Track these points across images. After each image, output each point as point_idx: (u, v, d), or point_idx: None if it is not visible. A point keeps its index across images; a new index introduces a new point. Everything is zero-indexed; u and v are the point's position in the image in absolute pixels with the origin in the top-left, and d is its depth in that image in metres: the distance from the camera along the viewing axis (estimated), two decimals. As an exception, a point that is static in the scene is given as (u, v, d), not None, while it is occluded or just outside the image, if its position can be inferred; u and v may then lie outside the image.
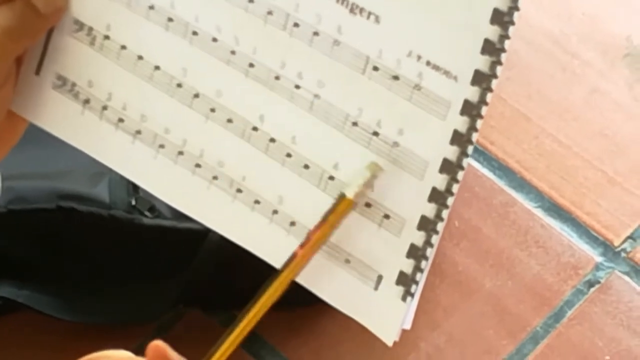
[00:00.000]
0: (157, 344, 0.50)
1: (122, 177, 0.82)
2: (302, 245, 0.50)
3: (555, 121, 0.95)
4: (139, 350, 0.52)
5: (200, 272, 0.82)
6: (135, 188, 0.82)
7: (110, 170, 0.81)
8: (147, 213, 0.81)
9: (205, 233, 0.81)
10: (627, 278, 0.88)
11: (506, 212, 0.91)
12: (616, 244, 0.89)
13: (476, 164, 0.93)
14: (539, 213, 0.91)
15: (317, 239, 0.50)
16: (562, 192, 0.92)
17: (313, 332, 0.85)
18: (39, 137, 0.74)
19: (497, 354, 0.85)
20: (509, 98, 0.95)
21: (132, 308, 0.82)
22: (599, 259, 0.89)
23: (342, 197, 0.50)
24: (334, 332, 0.85)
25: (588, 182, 0.93)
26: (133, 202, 0.81)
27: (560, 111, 0.96)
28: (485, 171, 0.93)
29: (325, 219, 0.50)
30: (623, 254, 0.89)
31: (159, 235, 0.81)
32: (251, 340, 0.86)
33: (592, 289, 0.87)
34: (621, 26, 1.00)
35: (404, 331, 0.84)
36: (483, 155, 0.94)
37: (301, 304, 0.85)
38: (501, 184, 0.93)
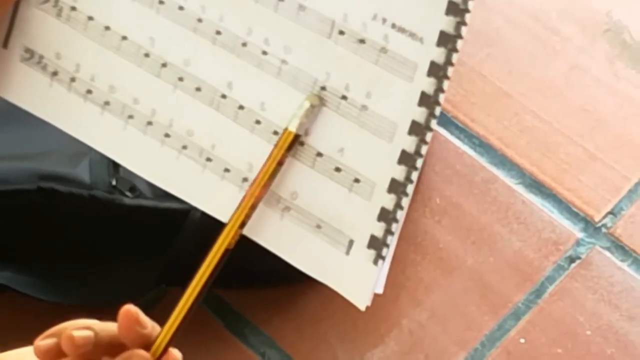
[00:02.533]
0: (128, 308, 0.50)
1: (102, 158, 0.82)
2: (251, 185, 0.51)
3: (535, 98, 0.95)
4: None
5: (182, 251, 0.82)
6: (115, 168, 0.82)
7: (90, 151, 0.82)
8: (127, 193, 0.81)
9: (186, 212, 0.81)
10: (607, 253, 0.88)
11: (487, 189, 0.91)
12: (597, 219, 0.89)
13: (457, 141, 0.93)
14: (520, 189, 0.91)
15: (263, 175, 0.50)
16: (543, 168, 0.92)
17: (295, 310, 0.85)
18: (19, 119, 0.74)
19: (479, 330, 0.85)
20: (489, 75, 0.95)
21: (115, 288, 0.82)
22: (580, 234, 0.89)
23: (285, 130, 0.50)
24: (316, 310, 0.85)
25: (569, 158, 0.93)
26: (114, 183, 0.81)
27: (540, 87, 0.95)
28: (466, 148, 0.93)
29: (270, 154, 0.50)
30: (604, 230, 0.89)
31: (140, 215, 0.81)
32: (234, 319, 0.86)
33: (573, 265, 0.87)
34: (601, 2, 0.99)
35: (381, 302, 0.84)
36: (464, 132, 0.93)
37: (282, 282, 0.85)
38: (482, 161, 0.93)
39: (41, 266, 0.82)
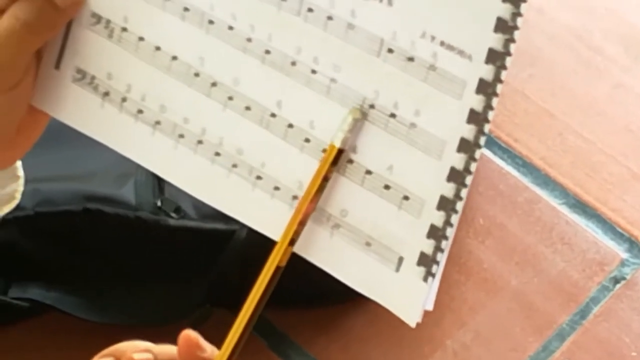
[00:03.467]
0: (189, 333, 0.50)
1: (147, 179, 0.83)
2: (299, 201, 0.51)
3: (579, 117, 0.95)
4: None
5: (227, 272, 0.82)
6: (160, 189, 0.83)
7: (136, 172, 0.83)
8: (172, 214, 0.82)
9: (231, 233, 0.82)
10: (653, 273, 0.87)
11: (531, 209, 0.91)
12: (641, 239, 0.89)
13: (500, 162, 0.93)
14: (564, 210, 0.91)
15: (310, 191, 0.50)
16: (586, 188, 0.92)
17: (340, 330, 0.85)
18: (64, 139, 0.75)
19: (523, 351, 0.84)
20: (532, 95, 0.95)
21: (159, 308, 0.83)
22: (625, 255, 0.88)
23: (329, 145, 0.50)
24: (361, 329, 0.85)
25: (613, 177, 0.92)
26: (159, 204, 0.82)
27: (584, 107, 0.95)
28: (509, 168, 0.93)
29: (316, 171, 0.50)
30: (649, 250, 0.88)
31: (185, 236, 0.82)
32: (278, 340, 0.86)
33: (618, 285, 0.87)
34: (644, 21, 0.99)
35: (426, 323, 0.84)
36: (507, 152, 0.93)
37: (327, 302, 0.86)
38: (526, 181, 0.92)
39: (87, 287, 0.83)
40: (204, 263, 0.83)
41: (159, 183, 0.84)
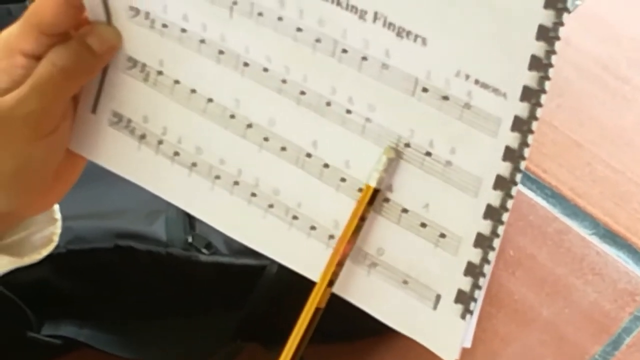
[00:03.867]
0: None
1: (178, 215, 0.84)
2: (336, 243, 0.51)
3: (607, 147, 0.95)
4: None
5: (258, 307, 0.82)
6: (191, 225, 0.83)
7: (167, 209, 0.83)
8: (204, 250, 0.82)
9: (262, 268, 0.82)
10: (685, 303, 0.87)
11: (561, 240, 0.91)
12: (673, 268, 0.89)
13: (529, 193, 0.93)
14: (594, 240, 0.91)
15: (347, 232, 0.51)
16: (616, 218, 0.92)
17: (371, 364, 0.85)
18: (94, 177, 0.75)
19: (557, 383, 0.84)
20: (560, 125, 0.96)
21: (191, 343, 0.83)
22: (657, 284, 0.88)
23: (365, 185, 0.51)
24: (393, 364, 0.85)
25: (642, 207, 0.92)
26: (190, 240, 0.82)
27: (612, 137, 0.95)
28: (538, 199, 0.93)
29: (352, 212, 0.51)
30: (680, 279, 0.88)
31: (216, 272, 0.82)
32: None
33: (651, 315, 0.87)
34: (669, 50, 1.00)
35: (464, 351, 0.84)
36: (536, 183, 0.93)
37: (359, 338, 0.86)
38: (555, 211, 0.92)
39: (118, 323, 0.83)
40: (235, 298, 0.83)
41: (190, 219, 0.84)
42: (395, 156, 0.50)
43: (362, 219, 0.51)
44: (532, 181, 0.94)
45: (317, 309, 0.51)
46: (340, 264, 0.51)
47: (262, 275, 0.81)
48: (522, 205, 0.92)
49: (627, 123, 0.96)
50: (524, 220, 0.92)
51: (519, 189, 0.93)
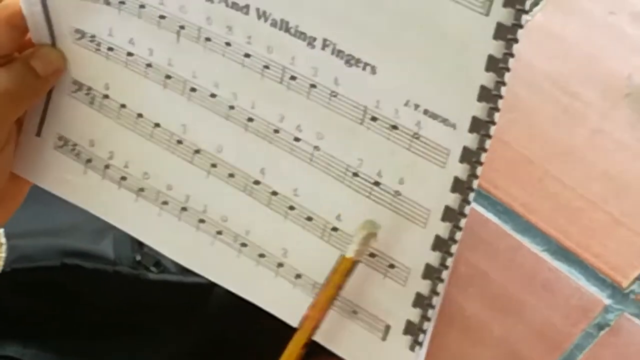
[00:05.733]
0: None
1: (126, 233, 0.83)
2: (311, 307, 0.50)
3: (558, 163, 0.95)
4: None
5: (208, 325, 0.82)
6: (140, 244, 0.82)
7: (115, 227, 0.82)
8: (152, 268, 0.81)
9: (212, 287, 0.81)
10: (636, 320, 0.87)
11: (513, 256, 0.91)
12: (624, 285, 0.89)
13: (481, 209, 0.93)
14: (546, 256, 0.91)
15: (323, 299, 0.50)
16: (568, 234, 0.92)
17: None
18: (41, 194, 0.74)
19: (509, 400, 0.84)
20: (511, 141, 0.95)
21: (142, 364, 0.82)
22: (608, 301, 0.88)
23: (342, 257, 0.50)
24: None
25: (594, 223, 0.92)
26: (138, 258, 0.81)
27: (563, 153, 0.95)
28: (490, 215, 0.93)
29: (328, 279, 0.50)
30: (632, 296, 0.88)
31: (165, 290, 0.81)
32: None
33: (602, 332, 0.87)
34: (621, 65, 1.00)
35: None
36: (487, 199, 0.93)
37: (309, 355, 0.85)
38: (507, 228, 0.92)
39: (64, 342, 0.82)
40: (186, 317, 0.82)
41: (139, 237, 0.83)
42: (376, 232, 0.49)
43: (339, 287, 0.50)
44: (484, 197, 0.93)
45: None
46: (315, 328, 0.50)
47: (212, 294, 0.81)
48: (473, 221, 0.92)
49: (578, 139, 0.96)
50: (476, 236, 0.92)
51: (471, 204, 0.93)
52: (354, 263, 0.49)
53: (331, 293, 0.50)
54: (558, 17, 1.03)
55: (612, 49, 1.01)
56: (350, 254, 0.49)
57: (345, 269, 0.49)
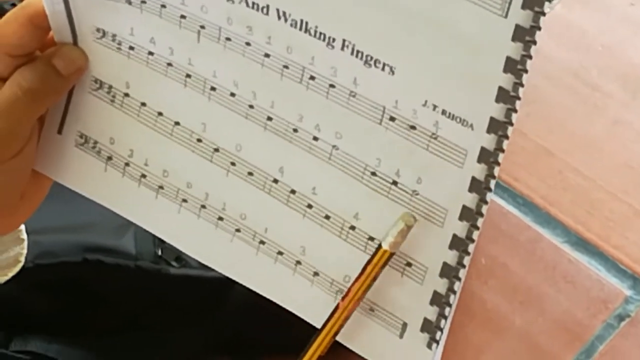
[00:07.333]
0: None
1: (147, 228, 0.83)
2: (343, 298, 0.51)
3: (578, 155, 0.95)
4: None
5: (228, 320, 0.82)
6: (161, 239, 0.82)
7: (135, 222, 0.83)
8: (173, 263, 0.82)
9: (232, 282, 0.81)
10: (657, 311, 0.87)
11: (533, 248, 0.91)
12: (645, 276, 0.89)
13: (501, 201, 0.93)
14: (566, 248, 0.91)
15: (356, 290, 0.51)
16: (588, 226, 0.92)
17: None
18: (62, 190, 0.75)
19: (530, 392, 0.85)
20: (530, 133, 0.96)
21: (162, 357, 0.83)
22: (628, 292, 0.88)
23: (378, 248, 0.50)
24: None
25: (614, 215, 0.92)
26: (159, 253, 0.82)
27: (583, 144, 0.95)
28: (510, 208, 0.93)
29: (363, 270, 0.50)
30: (652, 287, 0.88)
31: (186, 285, 0.82)
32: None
33: (623, 323, 0.87)
34: (640, 57, 1.00)
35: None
36: (508, 192, 0.93)
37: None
38: (527, 220, 0.92)
39: (88, 337, 0.83)
40: (205, 311, 0.83)
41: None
42: (413, 223, 0.50)
43: (374, 279, 0.51)
44: (504, 189, 0.94)
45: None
46: (346, 318, 0.51)
47: (232, 288, 0.81)
48: (493, 213, 0.92)
49: (597, 130, 0.96)
50: (496, 228, 0.92)
51: (491, 197, 0.93)
52: (390, 255, 0.50)
53: (364, 283, 0.50)
54: (577, 9, 1.03)
55: (632, 40, 1.01)
56: (386, 246, 0.50)
57: (381, 261, 0.50)
